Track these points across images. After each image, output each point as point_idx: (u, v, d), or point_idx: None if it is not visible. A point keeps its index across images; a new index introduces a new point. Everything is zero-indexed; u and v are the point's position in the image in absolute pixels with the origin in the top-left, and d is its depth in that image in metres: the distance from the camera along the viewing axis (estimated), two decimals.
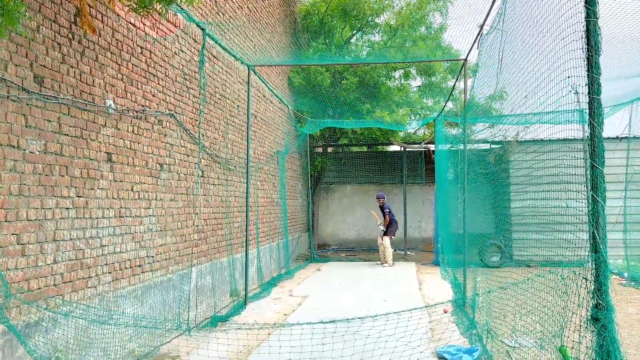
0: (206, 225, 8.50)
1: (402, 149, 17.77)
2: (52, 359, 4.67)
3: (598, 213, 3.22)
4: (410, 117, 15.39)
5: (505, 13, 5.94)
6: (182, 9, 6.45)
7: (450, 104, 14.20)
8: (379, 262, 14.65)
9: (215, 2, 9.16)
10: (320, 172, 18.47)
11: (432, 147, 16.52)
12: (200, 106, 8.17)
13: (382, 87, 15.78)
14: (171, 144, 7.32)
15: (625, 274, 11.66)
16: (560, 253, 4.44)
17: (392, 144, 18.65)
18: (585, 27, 3.31)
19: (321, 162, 18.10)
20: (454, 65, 15.81)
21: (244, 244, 9.50)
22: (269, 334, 6.96)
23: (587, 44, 3.28)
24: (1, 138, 4.30)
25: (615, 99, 12.07)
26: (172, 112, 7.33)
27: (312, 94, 15.15)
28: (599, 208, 3.21)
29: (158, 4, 5.11)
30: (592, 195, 3.22)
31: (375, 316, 4.83)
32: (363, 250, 18.08)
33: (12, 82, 4.40)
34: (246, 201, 9.32)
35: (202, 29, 7.66)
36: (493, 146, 12.64)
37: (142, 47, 6.60)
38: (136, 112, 6.39)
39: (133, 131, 6.32)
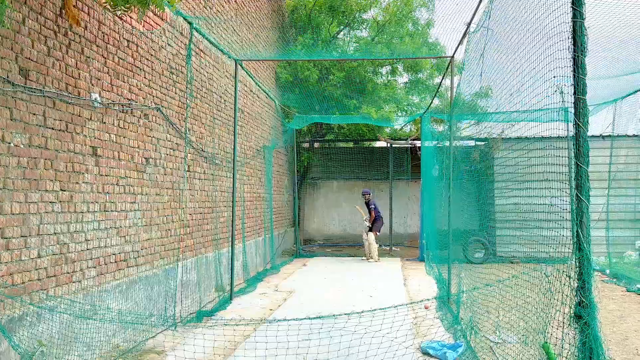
0: (192, 220, 8.48)
1: (389, 145, 17.82)
2: (37, 353, 4.64)
3: (582, 212, 3.26)
4: (397, 114, 15.44)
5: (492, 12, 5.97)
6: (167, 2, 6.40)
7: (436, 101, 14.27)
8: (364, 258, 14.69)
9: None
10: (307, 168, 18.47)
11: (418, 143, 16.59)
12: (187, 100, 8.13)
13: (369, 83, 15.80)
14: (157, 138, 7.28)
15: (608, 271, 11.82)
16: (543, 250, 4.48)
17: (378, 140, 18.71)
18: (571, 27, 3.34)
19: (308, 157, 18.10)
20: (440, 62, 15.87)
21: (230, 238, 9.49)
22: (254, 329, 6.97)
23: (574, 45, 3.31)
24: None
25: (600, 98, 12.21)
26: (158, 106, 7.29)
27: (299, 89, 15.14)
28: (583, 207, 3.24)
29: (135, 6, 5.08)
30: (577, 194, 3.26)
31: (361, 312, 4.85)
32: (349, 246, 18.13)
33: None
34: (232, 196, 9.31)
35: (190, 23, 7.61)
36: (478, 143, 12.72)
37: (128, 41, 6.55)
38: (122, 105, 6.35)
39: (119, 125, 6.28)
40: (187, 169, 8.15)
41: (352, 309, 8.06)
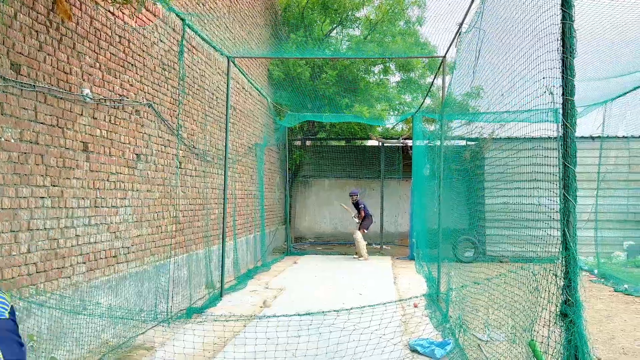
0: (183, 216, 8.48)
1: (380, 144, 17.86)
2: (26, 347, 4.63)
3: (569, 211, 3.30)
4: (388, 113, 15.49)
5: (484, 12, 6.01)
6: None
7: (428, 100, 14.32)
8: (355, 256, 14.73)
9: None
10: (299, 166, 18.48)
11: (409, 142, 16.64)
12: (179, 97, 8.12)
13: (361, 81, 15.83)
14: (148, 135, 7.28)
15: (596, 271, 11.91)
16: (531, 249, 4.53)
17: (370, 138, 18.74)
18: (561, 29, 3.38)
19: (299, 155, 18.12)
20: (432, 62, 15.92)
21: (221, 236, 9.49)
22: (244, 325, 6.98)
23: (563, 46, 3.34)
24: None
25: (590, 100, 12.29)
26: (150, 102, 7.28)
27: (292, 87, 15.15)
28: (570, 207, 3.28)
29: None
30: (564, 194, 3.30)
31: (350, 309, 4.88)
32: (339, 244, 18.16)
33: None
34: (224, 193, 9.31)
35: (182, 19, 7.61)
36: (469, 143, 12.78)
37: (120, 36, 6.54)
38: (113, 101, 6.34)
39: (110, 121, 6.27)
40: (179, 166, 8.15)
41: (342, 307, 8.08)
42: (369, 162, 19.00)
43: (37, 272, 5.00)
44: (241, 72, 11.24)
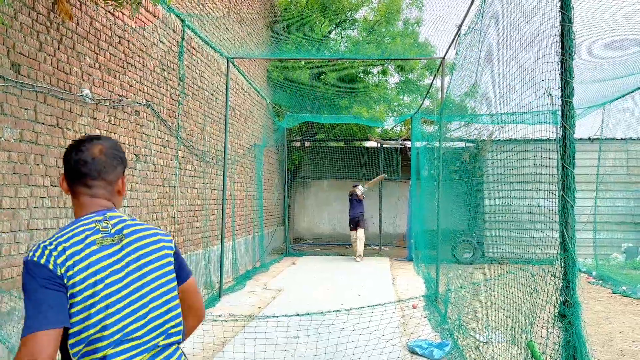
0: (182, 217, 8.48)
1: (379, 145, 17.88)
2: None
3: (567, 213, 3.31)
4: (387, 114, 15.50)
5: (484, 14, 6.02)
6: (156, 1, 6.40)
7: (427, 102, 14.34)
8: (356, 258, 14.72)
9: None
10: (297, 167, 18.49)
11: (408, 144, 16.66)
12: (179, 97, 8.13)
13: (360, 83, 15.85)
14: (148, 135, 7.28)
15: (594, 273, 11.93)
16: (530, 251, 4.54)
17: (369, 140, 18.76)
18: (560, 31, 3.39)
19: (298, 156, 18.12)
20: (431, 63, 15.94)
21: (220, 236, 9.50)
22: (243, 326, 6.99)
23: (562, 48, 3.35)
24: None
25: (589, 101, 12.32)
26: (149, 103, 7.29)
27: (291, 87, 15.16)
28: (569, 208, 3.30)
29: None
30: (562, 196, 3.31)
31: (349, 310, 4.89)
32: (338, 245, 18.17)
33: None
34: (222, 194, 9.31)
35: (182, 20, 7.62)
36: (468, 144, 12.79)
37: (120, 37, 6.54)
38: (113, 102, 6.35)
39: (109, 121, 6.28)
40: (178, 166, 8.15)
41: (341, 307, 8.10)
42: (367, 163, 19.00)
43: None
44: (240, 73, 11.25)
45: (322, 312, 5.08)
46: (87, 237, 1.85)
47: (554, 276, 3.42)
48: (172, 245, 2.09)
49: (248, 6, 13.01)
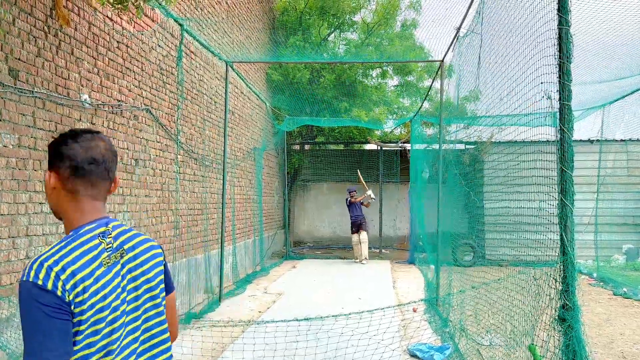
0: (181, 221, 8.47)
1: (379, 147, 17.88)
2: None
3: (566, 216, 3.30)
4: (387, 117, 15.50)
5: (483, 17, 6.02)
6: (160, 4, 6.41)
7: (426, 104, 14.33)
8: (356, 260, 14.71)
9: None
10: (297, 170, 18.48)
11: (408, 146, 16.65)
12: (178, 102, 8.13)
13: (359, 85, 15.85)
14: (146, 140, 7.28)
15: (595, 274, 11.91)
16: (530, 253, 4.53)
17: (368, 142, 18.75)
18: (557, 34, 3.38)
19: (298, 159, 18.12)
20: (430, 65, 15.94)
21: (220, 240, 9.49)
22: (242, 331, 6.97)
23: (559, 51, 3.35)
24: None
25: (588, 103, 12.32)
26: (148, 107, 7.29)
27: (290, 91, 15.16)
28: (568, 211, 3.29)
29: (133, 1, 5.06)
30: (561, 199, 3.30)
31: (349, 314, 4.88)
32: (339, 248, 18.14)
33: None
34: (222, 198, 9.31)
35: (180, 25, 7.62)
36: (468, 147, 12.79)
37: (118, 42, 6.54)
38: (112, 106, 6.34)
39: (108, 126, 6.27)
40: (178, 170, 8.15)
41: (341, 311, 8.08)
42: (367, 166, 18.99)
43: None
44: (239, 77, 11.25)
45: (321, 317, 5.07)
46: (94, 258, 1.70)
47: (555, 279, 3.41)
48: (163, 257, 2.00)
49: (246, 10, 13.02)
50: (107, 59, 6.26)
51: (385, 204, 17.84)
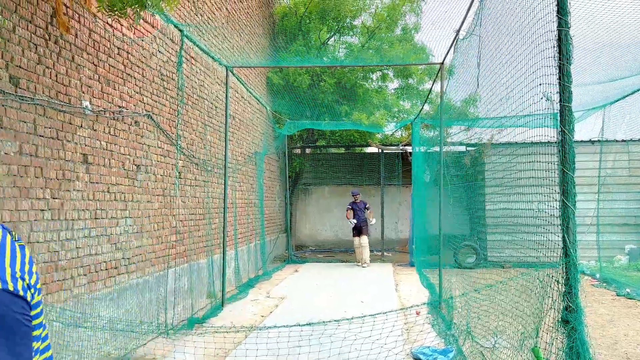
0: (183, 226, 8.47)
1: (380, 150, 17.88)
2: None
3: (568, 218, 3.30)
4: (387, 120, 15.50)
5: (482, 19, 6.03)
6: (159, 11, 6.42)
7: (427, 107, 14.34)
8: (358, 264, 14.71)
9: (194, 3, 9.13)
10: (298, 174, 18.50)
11: (409, 149, 16.65)
12: (178, 107, 8.14)
13: (360, 89, 15.87)
14: (148, 145, 7.28)
15: (597, 275, 11.89)
16: (533, 255, 4.52)
17: (369, 145, 18.76)
18: (557, 36, 3.39)
19: (299, 163, 18.13)
20: (430, 68, 15.95)
21: (222, 245, 9.49)
22: (245, 336, 6.96)
23: (559, 53, 3.35)
24: None
25: (589, 104, 12.31)
26: (149, 113, 7.30)
27: (291, 95, 15.18)
28: (570, 213, 3.29)
29: (130, 7, 5.07)
30: (563, 200, 3.30)
31: (352, 319, 4.87)
32: (341, 252, 18.13)
33: None
34: (224, 202, 9.31)
35: (180, 30, 7.64)
36: (469, 148, 12.79)
37: (119, 48, 6.56)
38: (113, 113, 6.35)
39: (109, 132, 6.28)
40: (178, 176, 8.15)
41: (344, 315, 8.07)
42: (368, 169, 19.01)
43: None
44: (240, 82, 11.27)
45: (323, 322, 5.06)
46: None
47: (557, 281, 3.41)
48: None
49: (246, 15, 13.04)
50: (107, 65, 6.27)
51: (387, 207, 17.83)
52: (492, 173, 11.68)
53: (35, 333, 1.31)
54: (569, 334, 3.23)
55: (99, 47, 6.09)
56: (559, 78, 3.33)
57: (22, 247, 1.33)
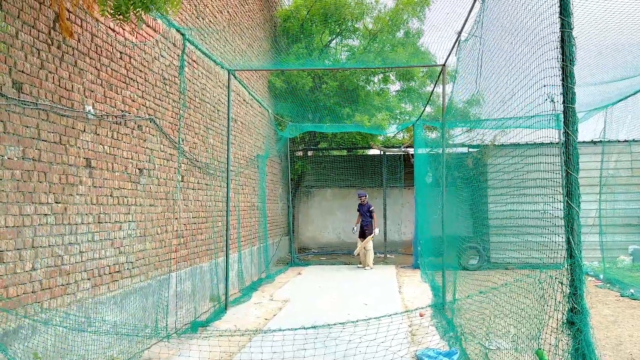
0: (186, 230, 8.47)
1: (382, 152, 17.88)
2: None
3: (573, 219, 3.29)
4: (389, 122, 15.50)
5: (484, 21, 6.03)
6: (162, 14, 6.43)
7: (429, 108, 14.33)
8: (359, 266, 14.71)
9: (195, 7, 9.15)
10: (301, 176, 18.49)
11: (411, 151, 16.64)
12: (181, 111, 8.14)
13: (362, 91, 15.87)
14: (151, 149, 7.29)
15: (601, 276, 11.86)
16: (536, 256, 4.51)
17: (371, 147, 18.76)
18: (560, 37, 3.39)
19: (301, 165, 18.13)
20: (432, 71, 15.95)
21: (224, 248, 9.49)
22: (249, 339, 6.96)
23: (562, 54, 3.35)
24: None
25: (591, 104, 12.30)
26: (151, 117, 7.31)
27: (293, 97, 15.19)
28: (574, 214, 3.28)
29: (134, 10, 5.07)
30: (567, 202, 3.29)
31: (356, 321, 4.86)
32: (343, 254, 18.12)
33: None
34: (226, 205, 9.31)
35: (182, 34, 7.65)
36: (471, 150, 12.77)
37: (121, 52, 6.57)
38: (115, 117, 6.36)
39: (112, 136, 6.29)
40: (180, 179, 8.16)
41: (347, 317, 8.06)
42: (370, 171, 19.01)
43: (41, 289, 5.00)
44: (242, 85, 11.28)
45: (328, 325, 5.06)
46: None
47: (561, 283, 3.40)
48: None
49: (248, 18, 13.06)
50: (110, 69, 6.28)
51: (389, 209, 17.82)
52: (495, 174, 11.66)
53: None
54: (574, 336, 3.22)
55: (102, 51, 6.10)
56: (562, 79, 3.33)
57: None
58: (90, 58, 5.85)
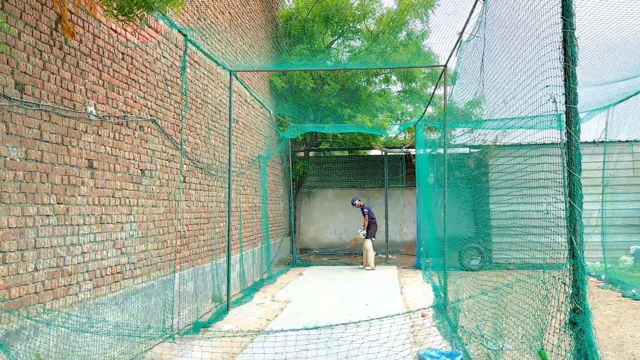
0: (188, 230, 8.48)
1: (383, 153, 17.88)
2: None
3: (575, 219, 3.29)
4: (391, 122, 15.49)
5: (486, 22, 6.03)
6: (163, 15, 6.44)
7: (430, 109, 14.32)
8: (360, 266, 14.71)
9: (197, 8, 9.16)
10: (302, 177, 18.49)
11: (412, 151, 16.63)
12: (182, 112, 8.15)
13: (363, 92, 15.87)
14: (152, 150, 7.30)
15: (603, 276, 11.85)
16: (538, 256, 4.51)
17: (373, 148, 18.76)
18: (562, 37, 3.38)
19: (303, 166, 18.13)
20: (433, 72, 15.95)
21: (226, 249, 9.49)
22: (251, 340, 6.96)
23: (564, 54, 3.35)
24: None
25: (593, 105, 12.30)
26: (153, 118, 7.31)
27: (294, 98, 15.19)
28: (576, 214, 3.28)
29: (137, 10, 5.07)
30: (569, 202, 3.29)
31: (359, 322, 4.87)
32: (345, 254, 18.12)
33: None
34: (228, 206, 9.32)
35: (184, 35, 7.65)
36: (472, 150, 12.77)
37: (123, 53, 6.57)
38: (117, 118, 6.37)
39: (114, 137, 6.30)
40: (182, 180, 8.16)
41: (349, 318, 8.06)
42: (372, 172, 19.01)
43: (44, 290, 5.00)
44: (243, 86, 11.28)
45: (330, 326, 5.06)
46: None
47: (564, 283, 3.40)
48: None
49: (250, 19, 13.07)
50: (112, 70, 6.29)
51: (391, 209, 17.82)
52: (497, 174, 11.66)
53: None
54: (576, 336, 3.22)
55: (104, 52, 6.11)
56: (565, 80, 3.33)
57: None
58: (92, 59, 5.86)
